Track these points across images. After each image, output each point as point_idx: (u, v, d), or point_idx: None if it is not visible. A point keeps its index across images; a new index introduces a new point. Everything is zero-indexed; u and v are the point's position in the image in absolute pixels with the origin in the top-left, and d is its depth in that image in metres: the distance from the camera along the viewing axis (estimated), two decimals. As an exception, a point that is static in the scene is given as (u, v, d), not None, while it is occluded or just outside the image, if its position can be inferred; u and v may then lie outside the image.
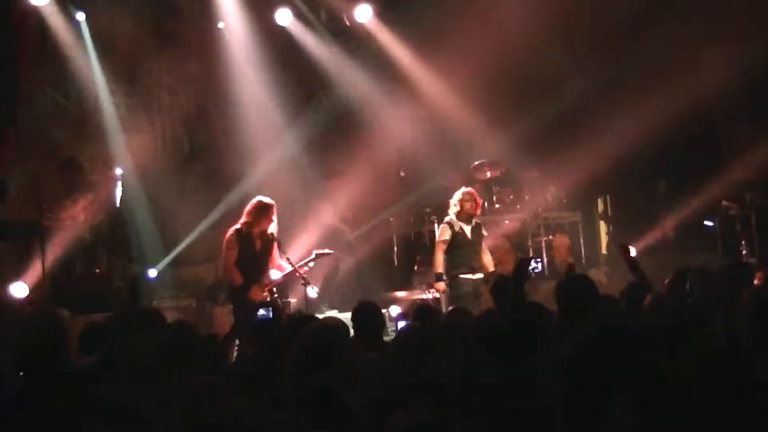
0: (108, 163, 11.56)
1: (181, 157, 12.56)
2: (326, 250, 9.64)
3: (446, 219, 9.54)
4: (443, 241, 9.39)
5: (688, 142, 12.47)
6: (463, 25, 12.11)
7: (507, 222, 12.53)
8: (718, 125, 12.96)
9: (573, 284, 5.40)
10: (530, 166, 12.82)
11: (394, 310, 9.29)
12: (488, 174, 12.48)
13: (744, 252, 11.56)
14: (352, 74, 12.94)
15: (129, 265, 11.64)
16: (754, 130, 11.95)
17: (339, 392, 3.36)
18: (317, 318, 5.45)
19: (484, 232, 9.66)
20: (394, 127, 12.81)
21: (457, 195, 9.53)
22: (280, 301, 8.87)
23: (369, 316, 5.71)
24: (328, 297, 11.26)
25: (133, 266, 11.59)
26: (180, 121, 12.78)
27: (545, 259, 12.35)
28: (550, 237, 12.62)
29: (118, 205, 10.82)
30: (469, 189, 9.70)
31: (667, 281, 6.33)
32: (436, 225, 11.17)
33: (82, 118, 11.96)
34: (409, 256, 12.62)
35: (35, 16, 11.35)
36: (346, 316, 5.98)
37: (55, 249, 9.96)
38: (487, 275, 9.26)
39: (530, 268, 8.85)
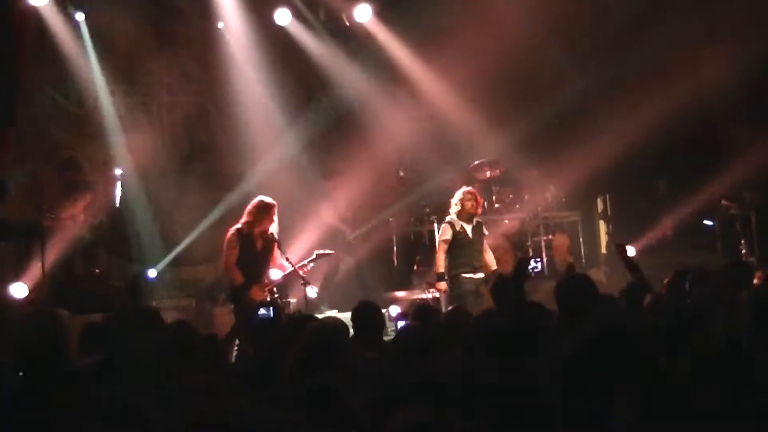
0: (108, 163, 11.59)
1: (181, 157, 12.56)
2: (327, 251, 9.64)
3: (447, 218, 9.54)
4: (444, 241, 9.39)
5: (688, 142, 12.47)
6: (462, 24, 12.12)
7: (507, 222, 12.53)
8: (718, 125, 12.96)
9: (573, 284, 5.39)
10: (530, 166, 12.82)
11: (394, 310, 9.30)
12: (488, 174, 12.48)
13: (743, 251, 11.56)
14: (352, 74, 12.94)
15: (129, 265, 11.66)
16: (754, 130, 11.95)
17: (339, 392, 3.36)
18: (317, 318, 5.45)
19: (486, 231, 9.65)
20: (394, 127, 12.80)
21: (458, 194, 9.52)
22: (280, 301, 8.86)
23: (369, 315, 5.71)
24: (327, 297, 11.27)
25: (132, 266, 11.61)
26: (180, 121, 12.79)
27: (545, 259, 12.35)
28: (550, 237, 12.62)
29: (117, 205, 10.84)
30: (469, 188, 9.69)
31: (666, 281, 6.33)
32: (435, 225, 11.17)
33: (82, 118, 11.96)
34: (408, 256, 12.62)
35: (35, 16, 11.35)
36: (345, 316, 5.98)
37: (54, 249, 9.97)
38: (489, 274, 9.25)
39: (530, 267, 8.84)
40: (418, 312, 6.18)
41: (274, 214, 8.78)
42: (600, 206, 14.03)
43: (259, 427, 2.89)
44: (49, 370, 4.09)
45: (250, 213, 8.77)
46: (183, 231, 11.82)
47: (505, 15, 11.94)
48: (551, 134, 12.58)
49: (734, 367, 3.61)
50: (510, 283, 5.50)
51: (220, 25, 12.50)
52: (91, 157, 11.62)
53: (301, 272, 8.83)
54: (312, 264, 9.16)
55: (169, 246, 11.78)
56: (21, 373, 4.19)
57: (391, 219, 12.63)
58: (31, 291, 9.68)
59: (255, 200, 8.90)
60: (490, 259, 9.51)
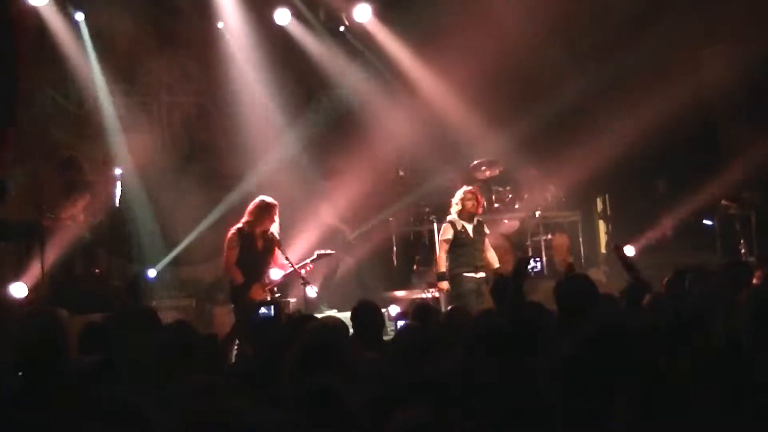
0: (108, 163, 11.58)
1: (181, 157, 12.55)
2: (328, 251, 9.65)
3: (448, 218, 9.54)
4: (446, 240, 9.39)
5: (688, 142, 12.47)
6: (462, 24, 12.11)
7: (506, 221, 12.53)
8: (718, 125, 12.96)
9: (572, 284, 5.39)
10: (530, 166, 12.81)
11: (394, 310, 9.30)
12: (487, 173, 12.48)
13: (743, 251, 11.56)
14: (352, 74, 12.94)
15: (129, 265, 11.67)
16: (754, 130, 11.95)
17: (339, 392, 3.36)
18: (316, 318, 5.45)
19: (486, 230, 9.66)
20: (394, 127, 12.80)
21: (459, 194, 9.53)
22: (280, 300, 8.87)
23: (368, 315, 5.71)
24: (327, 296, 11.27)
25: (132, 266, 11.61)
26: (180, 121, 12.79)
27: (544, 259, 12.35)
28: (550, 236, 12.62)
29: (117, 204, 10.83)
30: (470, 187, 9.70)
31: (665, 281, 6.33)
32: (435, 224, 11.17)
33: (81, 118, 11.96)
34: (408, 256, 12.62)
35: (34, 16, 11.34)
36: (345, 316, 5.99)
37: (54, 249, 9.97)
38: (492, 273, 9.24)
39: (529, 267, 8.84)
40: (418, 312, 6.19)
41: (275, 214, 8.79)
42: (600, 206, 14.02)
43: (259, 427, 2.89)
44: (49, 370, 4.09)
45: (252, 213, 8.77)
46: (183, 231, 11.81)
47: (505, 15, 11.94)
48: (551, 134, 12.57)
49: (734, 367, 3.61)
50: (509, 283, 5.50)
51: (219, 25, 12.50)
52: (91, 157, 11.62)
53: (302, 272, 8.84)
54: (312, 264, 9.17)
55: (169, 246, 11.78)
56: (21, 373, 4.19)
57: (390, 219, 12.63)
58: (30, 291, 9.68)
59: (256, 200, 8.90)
60: (492, 257, 9.51)
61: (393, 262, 12.54)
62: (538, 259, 12.28)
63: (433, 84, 12.80)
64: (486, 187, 12.45)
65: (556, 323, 5.00)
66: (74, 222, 10.40)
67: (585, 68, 13.02)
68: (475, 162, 12.44)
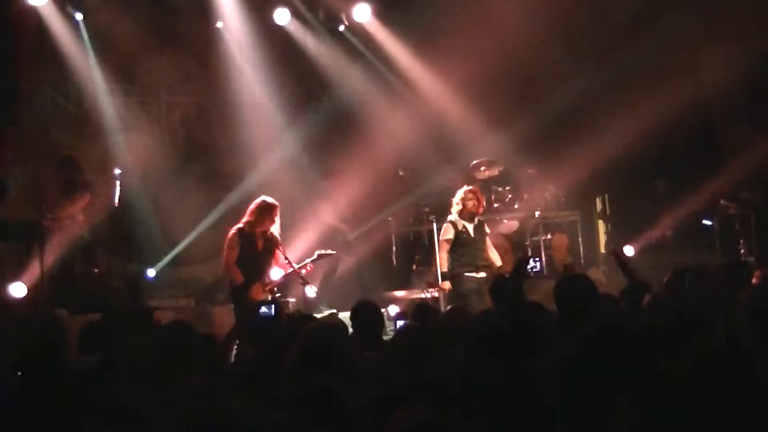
0: (107, 163, 11.57)
1: (180, 157, 12.54)
2: (328, 251, 9.66)
3: (449, 218, 9.55)
4: (447, 240, 9.40)
5: (688, 142, 12.47)
6: (462, 24, 12.11)
7: (505, 221, 12.52)
8: (718, 125, 12.96)
9: (572, 284, 5.39)
10: (529, 166, 12.80)
11: (393, 310, 9.30)
12: (486, 173, 12.47)
13: (742, 251, 11.56)
14: (352, 74, 12.94)
15: (128, 265, 11.65)
16: (754, 130, 11.95)
17: (339, 392, 3.36)
18: (316, 318, 5.45)
19: (487, 230, 9.67)
20: (394, 126, 12.80)
21: (460, 193, 9.54)
22: (280, 300, 8.87)
23: (368, 315, 5.72)
24: (327, 296, 11.26)
25: (132, 266, 11.60)
26: (180, 121, 12.78)
27: (544, 259, 12.34)
28: (549, 236, 12.61)
29: (117, 204, 10.82)
30: (471, 187, 9.72)
31: (665, 280, 6.33)
32: (434, 225, 11.17)
33: (81, 118, 11.95)
34: (408, 256, 12.62)
35: (34, 15, 11.34)
36: (345, 316, 5.99)
37: (54, 249, 9.96)
38: (495, 272, 9.23)
39: (529, 267, 8.85)
40: (417, 311, 6.20)
41: (276, 215, 8.80)
42: (599, 206, 14.02)
43: (259, 427, 2.89)
44: (48, 370, 4.09)
45: (253, 213, 8.78)
46: (182, 231, 11.81)
47: (505, 15, 11.94)
48: (551, 134, 12.57)
49: (734, 367, 3.61)
50: (509, 283, 5.51)
51: (219, 24, 12.48)
52: (90, 157, 11.60)
53: (302, 272, 8.84)
54: (312, 264, 9.18)
55: (169, 246, 11.77)
56: (21, 373, 4.19)
57: (390, 219, 12.62)
58: (30, 291, 9.67)
59: (258, 200, 8.91)
60: (494, 256, 9.52)
61: (392, 262, 12.54)
62: (537, 259, 12.27)
63: (432, 84, 12.80)
64: (485, 187, 12.43)
65: (556, 323, 5.00)
66: (73, 222, 10.38)
67: (585, 68, 13.03)
68: (475, 162, 12.44)
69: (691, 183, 12.20)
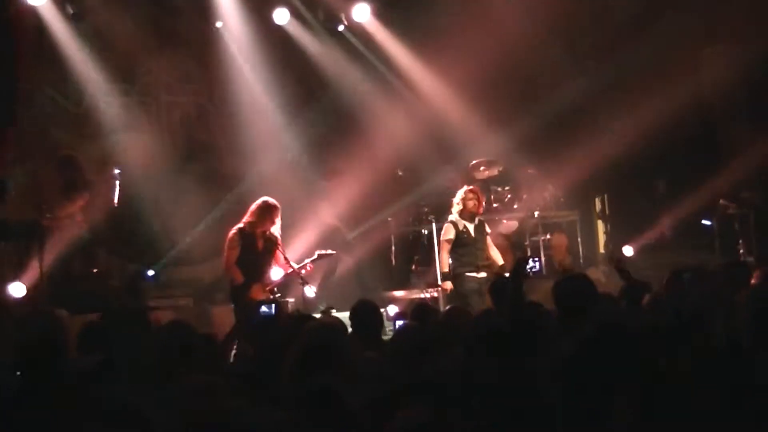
0: (107, 163, 11.56)
1: (180, 157, 12.53)
2: (328, 251, 9.66)
3: (450, 218, 9.55)
4: (448, 240, 9.40)
5: (688, 142, 12.47)
6: (462, 24, 12.11)
7: (505, 221, 12.52)
8: (718, 125, 12.96)
9: (571, 284, 5.38)
10: (529, 166, 12.81)
11: (392, 310, 9.30)
12: (486, 173, 12.47)
13: (741, 251, 11.56)
14: (352, 74, 12.94)
15: (127, 265, 11.65)
16: (754, 130, 11.95)
17: (339, 392, 3.36)
18: (315, 318, 5.45)
19: (488, 230, 9.67)
20: (394, 126, 12.79)
21: (460, 193, 9.55)
22: (280, 300, 8.87)
23: (367, 315, 5.72)
24: (326, 296, 11.26)
25: (131, 266, 11.60)
26: (179, 121, 12.78)
27: (543, 259, 12.34)
28: (548, 236, 12.61)
29: (116, 204, 10.82)
30: (471, 187, 9.72)
31: (665, 280, 6.33)
32: (434, 225, 11.17)
33: (81, 118, 11.94)
34: (407, 256, 12.62)
35: (33, 15, 11.33)
36: (344, 315, 5.99)
37: (53, 248, 9.95)
38: (496, 271, 9.23)
39: (528, 267, 8.84)
40: (417, 311, 6.19)
41: (276, 215, 8.80)
42: (598, 206, 14.02)
43: (259, 427, 2.89)
44: (48, 370, 4.09)
45: (254, 213, 8.78)
46: (182, 231, 11.81)
47: (505, 15, 11.94)
48: (551, 134, 12.57)
49: (734, 367, 3.61)
50: (508, 283, 5.51)
51: (218, 24, 12.48)
52: (90, 157, 11.59)
53: (302, 272, 8.84)
54: (312, 264, 9.18)
55: (168, 245, 11.77)
56: (20, 373, 4.19)
57: (390, 219, 12.62)
58: (29, 290, 9.67)
59: (259, 200, 8.91)
60: (495, 256, 9.53)
61: (392, 262, 12.54)
62: (536, 259, 12.26)
63: (432, 84, 12.80)
64: (485, 187, 12.43)
65: (555, 323, 5.00)
66: (73, 221, 10.38)
67: (585, 68, 13.03)
68: (474, 162, 12.43)
69: (690, 183, 12.20)
